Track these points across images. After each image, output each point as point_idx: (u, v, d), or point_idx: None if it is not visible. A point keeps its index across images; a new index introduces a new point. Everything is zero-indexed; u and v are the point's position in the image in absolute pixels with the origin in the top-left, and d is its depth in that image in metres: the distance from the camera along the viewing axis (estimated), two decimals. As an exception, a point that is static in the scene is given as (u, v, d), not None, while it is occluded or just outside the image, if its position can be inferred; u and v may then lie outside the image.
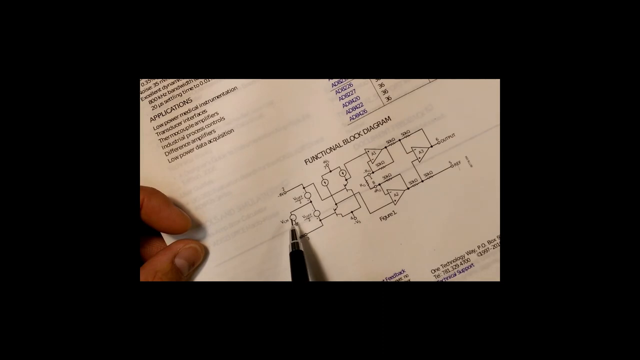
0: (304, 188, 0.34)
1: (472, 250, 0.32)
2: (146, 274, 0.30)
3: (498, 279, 0.31)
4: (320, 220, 0.33)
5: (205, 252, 0.33)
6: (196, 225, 0.34)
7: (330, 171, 0.34)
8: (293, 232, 0.33)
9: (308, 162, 0.34)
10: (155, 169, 0.35)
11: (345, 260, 0.33)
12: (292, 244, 0.32)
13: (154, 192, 0.31)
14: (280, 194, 0.34)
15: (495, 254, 0.32)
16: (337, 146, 0.34)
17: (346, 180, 0.33)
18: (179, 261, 0.31)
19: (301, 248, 0.32)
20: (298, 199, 0.33)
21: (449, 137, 0.33)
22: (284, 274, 0.33)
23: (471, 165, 0.33)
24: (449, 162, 0.33)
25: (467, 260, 0.32)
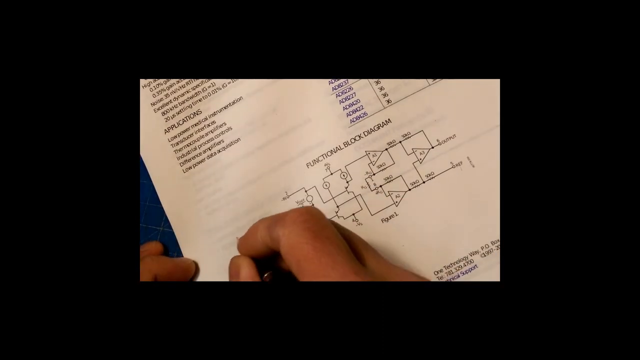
0: (306, 191, 0.34)
1: (476, 252, 0.32)
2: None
3: (502, 280, 0.31)
4: (322, 222, 0.34)
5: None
6: (208, 230, 0.35)
7: (332, 174, 0.34)
8: None
9: (310, 166, 0.34)
10: (172, 179, 0.36)
11: (347, 263, 0.33)
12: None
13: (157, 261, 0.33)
14: (284, 198, 0.34)
15: (499, 255, 0.31)
16: (338, 149, 0.34)
17: (347, 182, 0.34)
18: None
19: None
20: (300, 203, 0.34)
21: (450, 137, 0.33)
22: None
23: (473, 166, 0.32)
24: (451, 162, 0.33)
25: (471, 262, 0.32)
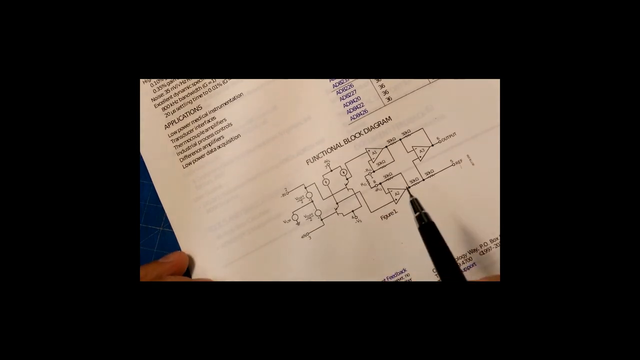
0: (305, 188, 0.34)
1: (474, 249, 0.32)
2: None
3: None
4: (321, 219, 0.34)
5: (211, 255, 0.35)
6: (208, 228, 0.35)
7: (331, 170, 0.34)
8: (414, 202, 0.30)
9: (309, 162, 0.34)
10: (172, 175, 0.36)
11: (346, 259, 0.33)
12: (417, 216, 0.29)
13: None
14: (283, 195, 0.34)
15: (497, 253, 0.31)
16: (338, 145, 0.34)
17: (347, 179, 0.34)
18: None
19: (431, 219, 0.29)
20: (300, 199, 0.34)
21: (450, 136, 0.33)
22: (288, 275, 0.33)
23: (473, 164, 0.32)
24: (450, 160, 0.33)
25: (470, 259, 0.32)
